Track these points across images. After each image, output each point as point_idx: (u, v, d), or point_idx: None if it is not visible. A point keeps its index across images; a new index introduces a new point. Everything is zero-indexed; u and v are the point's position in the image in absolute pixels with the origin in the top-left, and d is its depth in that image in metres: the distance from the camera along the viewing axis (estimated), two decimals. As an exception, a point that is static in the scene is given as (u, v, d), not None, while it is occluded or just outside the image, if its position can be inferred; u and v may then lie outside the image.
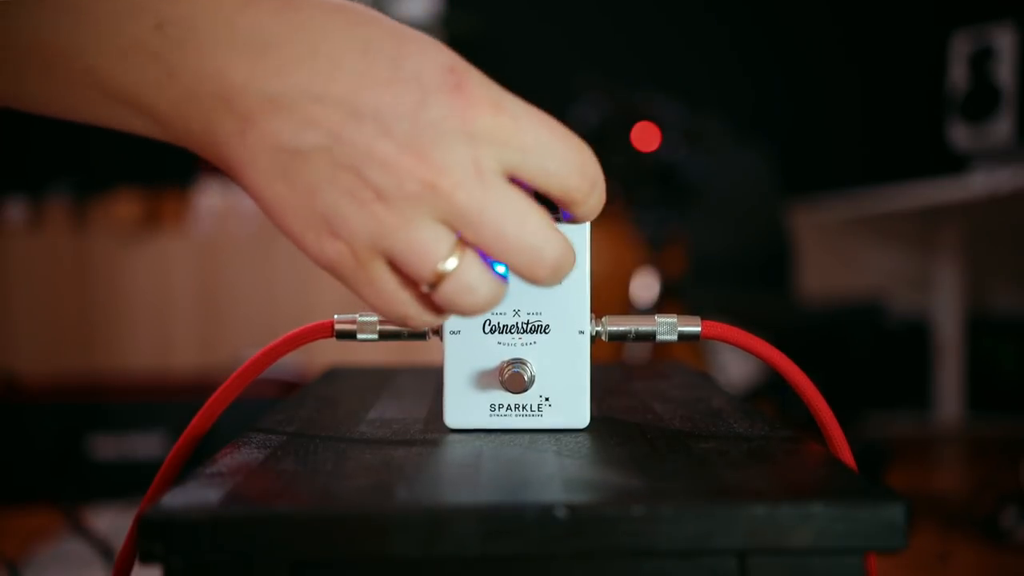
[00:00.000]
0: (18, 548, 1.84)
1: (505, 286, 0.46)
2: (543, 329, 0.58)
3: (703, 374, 0.86)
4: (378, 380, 0.83)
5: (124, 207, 2.95)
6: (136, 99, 0.43)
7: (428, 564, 0.41)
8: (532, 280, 0.45)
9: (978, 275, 3.26)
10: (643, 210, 2.62)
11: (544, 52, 3.43)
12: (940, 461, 2.82)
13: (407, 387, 0.79)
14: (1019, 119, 2.54)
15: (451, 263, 0.43)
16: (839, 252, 3.33)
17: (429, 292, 0.44)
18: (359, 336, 0.59)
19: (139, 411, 2.28)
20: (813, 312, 2.54)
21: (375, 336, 0.60)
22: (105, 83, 0.43)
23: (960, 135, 2.69)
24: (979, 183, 2.54)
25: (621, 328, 0.59)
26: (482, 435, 0.58)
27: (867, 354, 2.54)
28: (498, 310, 0.58)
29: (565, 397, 0.58)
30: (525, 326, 0.58)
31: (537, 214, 0.44)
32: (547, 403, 0.58)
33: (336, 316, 0.60)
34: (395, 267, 0.43)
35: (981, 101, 2.63)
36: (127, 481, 2.21)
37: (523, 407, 0.58)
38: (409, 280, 0.44)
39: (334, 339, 0.60)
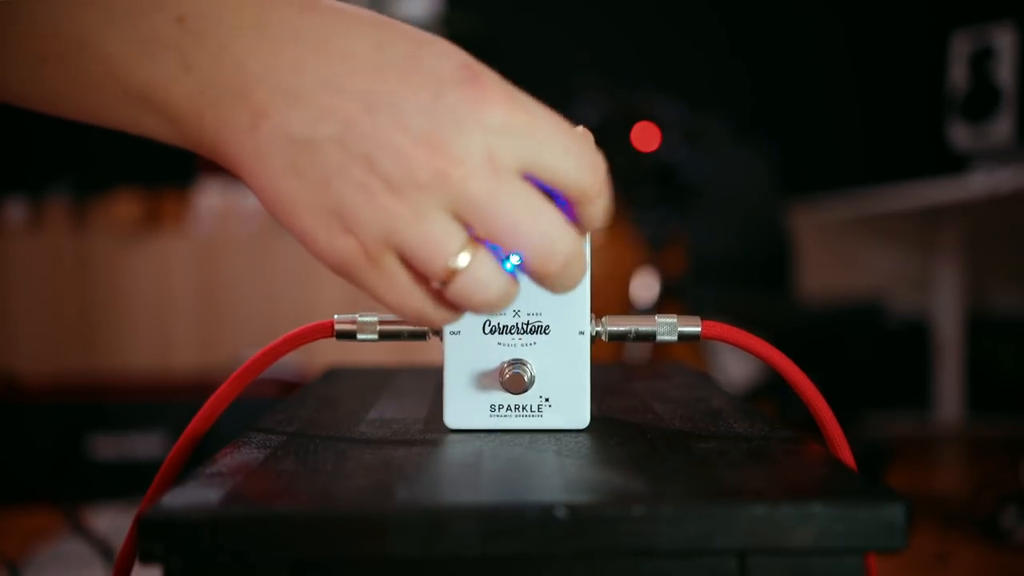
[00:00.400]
0: (18, 548, 1.84)
1: (517, 285, 0.46)
2: (543, 330, 0.58)
3: (703, 374, 0.86)
4: (378, 380, 0.83)
5: (124, 207, 2.95)
6: (151, 92, 0.43)
7: (428, 564, 0.41)
8: (543, 274, 0.45)
9: (978, 275, 3.26)
10: (643, 210, 2.62)
11: (544, 52, 3.43)
12: (940, 461, 2.82)
13: (407, 387, 0.79)
14: (1019, 119, 2.54)
15: (463, 259, 0.42)
16: (839, 252, 3.33)
17: (441, 288, 0.43)
18: (359, 336, 0.60)
19: (139, 411, 2.28)
20: (813, 312, 2.54)
21: (375, 336, 0.60)
22: (121, 75, 0.43)
23: (960, 135, 2.69)
24: (979, 183, 2.54)
25: (621, 328, 0.59)
26: (482, 435, 0.58)
27: (867, 354, 2.54)
28: (498, 310, 0.58)
29: (565, 397, 0.58)
30: (525, 326, 0.58)
31: (550, 208, 0.44)
32: (547, 404, 0.58)
33: (336, 316, 0.60)
34: (407, 263, 0.43)
35: (981, 101, 2.63)
36: (127, 481, 2.21)
37: (523, 408, 0.58)
38: (421, 276, 0.43)
39: (334, 339, 0.60)
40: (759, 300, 2.52)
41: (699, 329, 0.59)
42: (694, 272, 2.56)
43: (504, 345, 0.58)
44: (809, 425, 0.57)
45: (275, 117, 0.42)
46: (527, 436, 0.57)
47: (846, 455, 0.55)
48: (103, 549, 1.48)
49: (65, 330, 2.86)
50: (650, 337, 0.59)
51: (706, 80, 3.45)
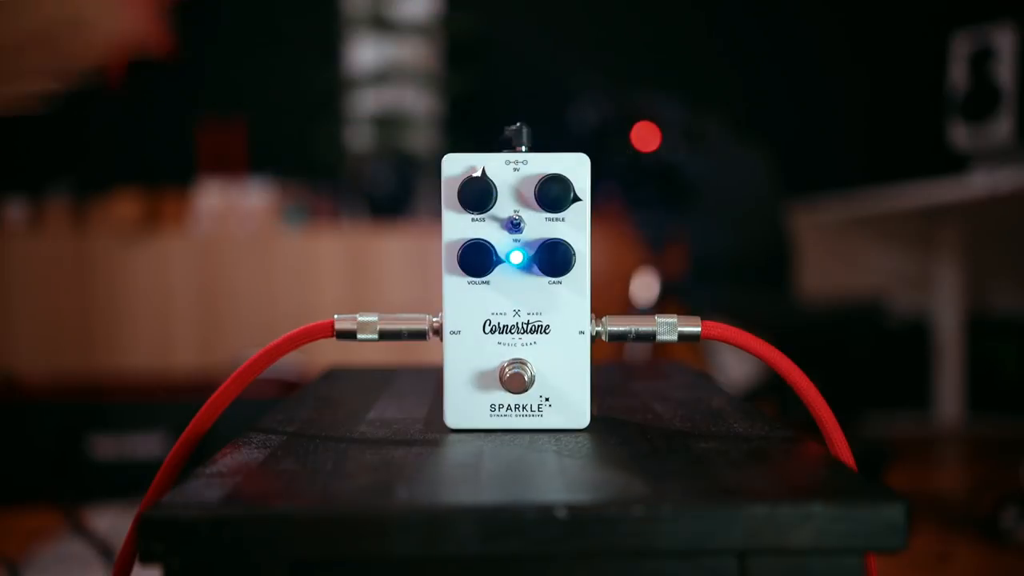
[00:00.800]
0: (18, 548, 1.84)
1: None
2: (543, 329, 0.58)
3: (703, 374, 0.86)
4: (378, 380, 0.83)
5: (124, 207, 2.95)
6: None
7: (428, 564, 0.41)
8: None
9: (978, 275, 3.26)
10: (643, 210, 2.62)
11: (544, 52, 3.43)
12: (940, 461, 2.82)
13: (407, 387, 0.79)
14: (1019, 119, 2.54)
15: None
16: (839, 252, 3.33)
17: None
18: (359, 336, 0.60)
19: (139, 411, 2.28)
20: (813, 312, 2.54)
21: (375, 336, 0.60)
22: None
23: (960, 135, 2.69)
24: (979, 183, 2.54)
25: (621, 328, 0.59)
26: (482, 435, 0.58)
27: (867, 354, 2.54)
28: (498, 310, 0.59)
29: (565, 397, 0.58)
30: (525, 326, 0.58)
31: None
32: (547, 403, 0.58)
33: (336, 316, 0.60)
34: None
35: (981, 101, 2.63)
36: (127, 481, 2.21)
37: (523, 407, 0.58)
38: None
39: (334, 339, 0.60)
40: (759, 300, 2.52)
41: (699, 329, 0.59)
42: (694, 272, 2.56)
43: (504, 345, 0.58)
44: (809, 425, 0.57)
45: None
46: (527, 436, 0.57)
47: (846, 455, 0.55)
48: (103, 549, 1.48)
49: (65, 330, 2.86)
50: (650, 337, 0.59)
51: (706, 80, 3.45)
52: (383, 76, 3.32)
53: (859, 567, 0.41)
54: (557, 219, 0.58)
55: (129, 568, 0.54)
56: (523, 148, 0.59)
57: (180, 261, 2.90)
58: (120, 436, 2.25)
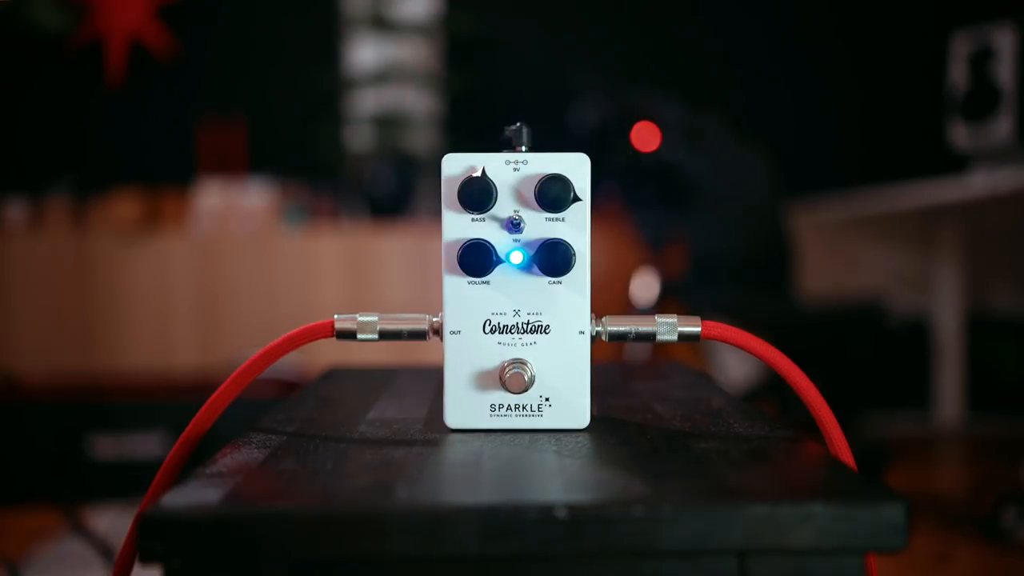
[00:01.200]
0: (18, 548, 1.84)
1: None
2: (543, 329, 0.58)
3: (703, 374, 0.86)
4: (378, 380, 0.83)
5: (124, 207, 2.95)
6: None
7: (428, 564, 0.41)
8: None
9: (978, 275, 3.26)
10: (643, 210, 2.62)
11: (544, 52, 3.43)
12: (940, 461, 2.82)
13: (407, 387, 0.79)
14: (1019, 119, 2.54)
15: None
16: (839, 252, 3.33)
17: None
18: (359, 336, 0.60)
19: (139, 411, 2.28)
20: (813, 312, 2.54)
21: (375, 336, 0.60)
22: None
23: (960, 135, 2.69)
24: (979, 183, 2.54)
25: (621, 328, 0.59)
26: (482, 435, 0.58)
27: (867, 354, 2.53)
28: (498, 310, 0.59)
29: (565, 397, 0.58)
30: (525, 326, 0.58)
31: None
32: (547, 403, 0.58)
33: (336, 316, 0.60)
34: None
35: (981, 101, 2.63)
36: (127, 481, 2.21)
37: (523, 407, 0.58)
38: None
39: (334, 339, 0.60)
40: (759, 300, 2.52)
41: (699, 329, 0.59)
42: (694, 272, 2.56)
43: (504, 345, 0.58)
44: (809, 425, 0.57)
45: None
46: (527, 436, 0.57)
47: (846, 455, 0.55)
48: (103, 549, 1.48)
49: (65, 330, 2.86)
50: (650, 337, 0.59)
51: (706, 80, 3.45)
52: (383, 76, 3.32)
53: (859, 567, 0.41)
54: (557, 219, 0.58)
55: (129, 568, 0.54)
56: (523, 148, 0.59)
57: (180, 261, 2.90)
58: (120, 436, 2.25)
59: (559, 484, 0.46)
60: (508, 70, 3.39)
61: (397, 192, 3.19)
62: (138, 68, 3.27)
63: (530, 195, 0.58)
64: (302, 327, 0.59)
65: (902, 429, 3.06)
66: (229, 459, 0.50)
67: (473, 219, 0.58)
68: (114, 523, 1.95)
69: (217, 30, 3.34)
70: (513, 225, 0.58)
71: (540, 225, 0.58)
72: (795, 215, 2.92)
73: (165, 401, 2.31)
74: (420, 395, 0.74)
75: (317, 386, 0.81)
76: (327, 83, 3.34)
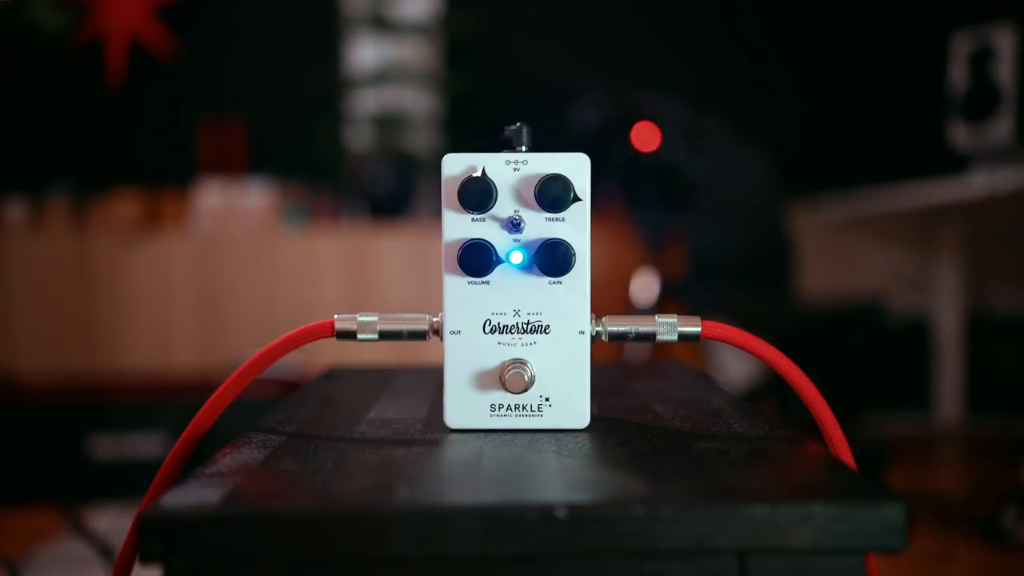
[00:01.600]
0: (18, 548, 1.84)
1: None
2: (543, 329, 0.58)
3: (703, 374, 0.86)
4: (378, 380, 0.83)
5: (124, 207, 2.95)
6: None
7: (428, 564, 0.41)
8: None
9: (978, 275, 3.26)
10: (643, 210, 2.62)
11: (544, 52, 3.43)
12: (940, 461, 2.82)
13: (407, 387, 0.79)
14: (1019, 119, 2.54)
15: None
16: (839, 252, 3.33)
17: None
18: (359, 336, 0.60)
19: (139, 411, 2.28)
20: (813, 312, 2.54)
21: (375, 336, 0.60)
22: None
23: (960, 135, 2.69)
24: (979, 183, 2.53)
25: (621, 328, 0.59)
26: (482, 435, 0.58)
27: (867, 354, 2.53)
28: (498, 310, 0.59)
29: (565, 397, 0.58)
30: (525, 326, 0.58)
31: None
32: (547, 403, 0.58)
33: (336, 316, 0.60)
34: None
35: (981, 101, 2.63)
36: (127, 481, 2.21)
37: (523, 407, 0.58)
38: None
39: (334, 339, 0.60)
40: (759, 300, 2.52)
41: (699, 329, 0.59)
42: (694, 272, 2.56)
43: (504, 345, 0.58)
44: (809, 425, 0.57)
45: None
46: (527, 436, 0.57)
47: (846, 455, 0.55)
48: (103, 549, 1.48)
49: (65, 330, 2.86)
50: (650, 337, 0.59)
51: (706, 80, 3.45)
52: (383, 76, 3.32)
53: (859, 567, 0.41)
54: (557, 219, 0.58)
55: (129, 568, 0.54)
56: (523, 148, 0.59)
57: (180, 261, 2.90)
58: (120, 436, 2.25)
59: (559, 484, 0.46)
60: (508, 70, 3.39)
61: (397, 192, 3.19)
62: (138, 68, 3.27)
63: (530, 195, 0.58)
64: (302, 327, 0.59)
65: (902, 429, 3.06)
66: (229, 459, 0.50)
67: (473, 219, 0.58)
68: (114, 523, 1.95)
69: (217, 30, 3.34)
70: (513, 225, 0.58)
71: (540, 225, 0.58)
72: (795, 215, 2.92)
73: (165, 401, 2.31)
74: (420, 395, 0.74)
75: (317, 386, 0.81)
76: (327, 83, 3.34)
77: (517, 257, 0.58)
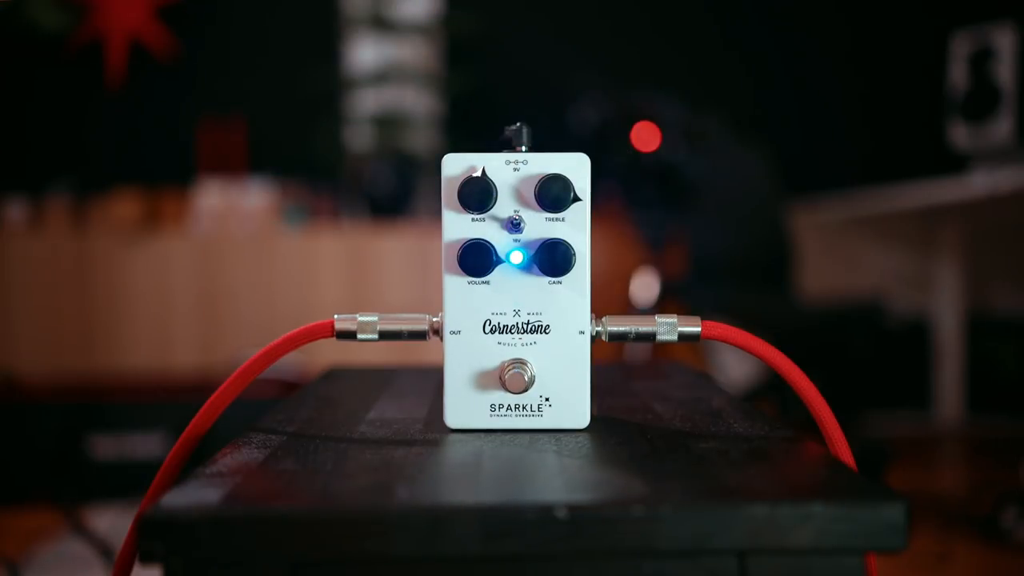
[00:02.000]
0: (18, 548, 1.84)
1: None
2: (543, 329, 0.58)
3: (703, 374, 0.86)
4: (378, 380, 0.83)
5: (124, 207, 2.95)
6: None
7: (428, 564, 0.41)
8: None
9: (978, 275, 3.26)
10: (643, 210, 2.62)
11: (544, 52, 3.43)
12: (940, 461, 2.82)
13: (407, 387, 0.79)
14: (1019, 119, 2.54)
15: None
16: (839, 252, 3.33)
17: None
18: (359, 336, 0.60)
19: (139, 411, 2.28)
20: (813, 312, 2.54)
21: (375, 336, 0.60)
22: None
23: (960, 135, 2.69)
24: (979, 183, 2.53)
25: (621, 328, 0.59)
26: (482, 435, 0.58)
27: (867, 354, 2.53)
28: (498, 310, 0.59)
29: (565, 397, 0.58)
30: (525, 326, 0.58)
31: None
32: (547, 403, 0.58)
33: (336, 316, 0.60)
34: None
35: (981, 101, 2.63)
36: (127, 481, 2.21)
37: (523, 407, 0.58)
38: None
39: (334, 339, 0.60)
40: (759, 300, 2.52)
41: (699, 329, 0.59)
42: (694, 272, 2.56)
43: (504, 345, 0.58)
44: (809, 425, 0.57)
45: None
46: (527, 436, 0.57)
47: (846, 455, 0.55)
48: (103, 549, 1.48)
49: (65, 330, 2.86)
50: (650, 337, 0.59)
51: (706, 80, 3.45)
52: (383, 76, 3.32)
53: (859, 567, 0.41)
54: (557, 219, 0.58)
55: (129, 568, 0.54)
56: (523, 148, 0.59)
57: (180, 261, 2.90)
58: (120, 436, 2.25)
59: (559, 484, 0.46)
60: (508, 70, 3.39)
61: (397, 192, 3.19)
62: (138, 68, 3.27)
63: (530, 195, 0.58)
64: (302, 327, 0.59)
65: (902, 429, 3.06)
66: (229, 459, 0.50)
67: (473, 219, 0.58)
68: (114, 523, 1.95)
69: (217, 30, 3.34)
70: (513, 225, 0.58)
71: (540, 225, 0.58)
72: (795, 215, 2.92)
73: (165, 401, 2.31)
74: (420, 395, 0.74)
75: (317, 386, 0.81)
76: (327, 83, 3.34)
77: (517, 257, 0.58)
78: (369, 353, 2.33)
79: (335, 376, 0.88)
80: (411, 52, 3.39)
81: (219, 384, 0.57)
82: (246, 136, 3.20)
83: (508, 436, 0.57)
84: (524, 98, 3.35)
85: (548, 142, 0.62)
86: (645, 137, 2.42)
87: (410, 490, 0.44)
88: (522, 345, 0.58)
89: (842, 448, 0.55)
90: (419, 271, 2.98)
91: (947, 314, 3.17)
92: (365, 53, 3.38)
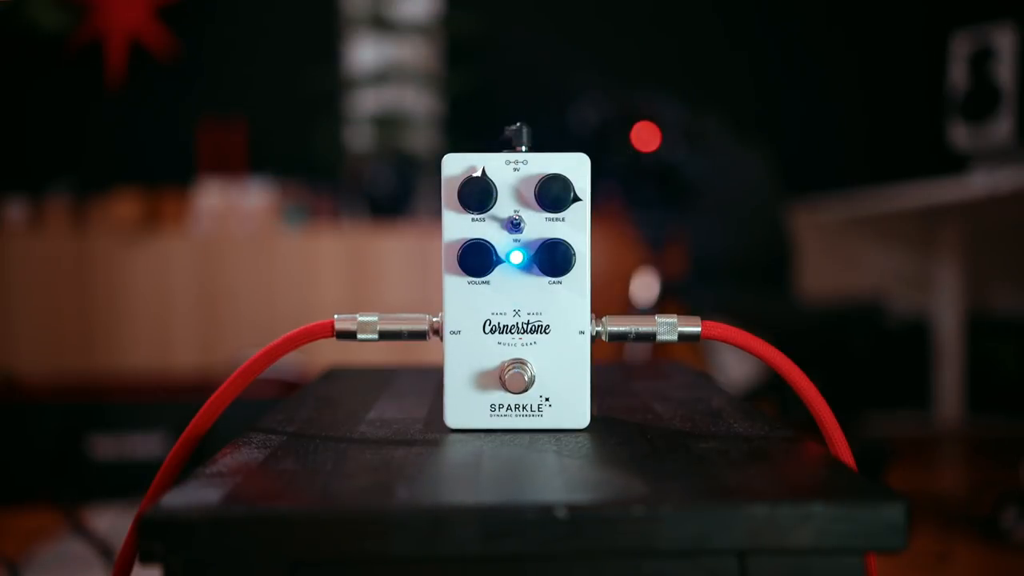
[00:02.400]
0: (18, 548, 1.84)
1: None
2: (543, 329, 0.58)
3: (703, 374, 0.86)
4: (378, 380, 0.83)
5: (124, 207, 2.95)
6: None
7: (428, 564, 0.41)
8: None
9: (978, 275, 3.26)
10: (643, 210, 2.61)
11: (544, 52, 3.43)
12: (940, 461, 2.82)
13: (407, 387, 0.79)
14: (1019, 119, 2.54)
15: None
16: (839, 252, 3.33)
17: None
18: (359, 336, 0.60)
19: (139, 411, 2.28)
20: (813, 312, 2.54)
21: (375, 336, 0.60)
22: None
23: (960, 135, 2.69)
24: (979, 183, 2.53)
25: (621, 328, 0.59)
26: (482, 435, 0.58)
27: (867, 354, 2.53)
28: (498, 310, 0.59)
29: (565, 397, 0.58)
30: (525, 326, 0.58)
31: None
32: (547, 403, 0.58)
33: (336, 316, 0.60)
34: None
35: (981, 101, 2.63)
36: (127, 481, 2.21)
37: (523, 407, 0.58)
38: None
39: (334, 339, 0.60)
40: (759, 300, 2.52)
41: (699, 329, 0.59)
42: (694, 272, 2.56)
43: (504, 345, 0.58)
44: (809, 425, 0.57)
45: None
46: (527, 436, 0.57)
47: (846, 455, 0.55)
48: (103, 549, 1.48)
49: (65, 330, 2.86)
50: (650, 337, 0.59)
51: (706, 80, 3.45)
52: (383, 76, 3.32)
53: (859, 567, 0.41)
54: (557, 219, 0.58)
55: (129, 568, 0.54)
56: (523, 148, 0.59)
57: (180, 261, 2.90)
58: (120, 436, 2.25)
59: (559, 484, 0.46)
60: (508, 70, 3.38)
61: (397, 192, 3.19)
62: (138, 68, 3.27)
63: (530, 195, 0.58)
64: (302, 327, 0.59)
65: (902, 429, 3.06)
66: (229, 459, 0.50)
67: (473, 219, 0.58)
68: (114, 523, 1.95)
69: (217, 30, 3.35)
70: (513, 225, 0.58)
71: (540, 225, 0.58)
72: (795, 215, 2.92)
73: (165, 401, 2.31)
74: (420, 395, 0.74)
75: (317, 386, 0.81)
76: (327, 83, 3.34)
77: (517, 257, 0.58)
78: (369, 353, 2.33)
79: (335, 376, 0.88)
80: (411, 52, 3.39)
81: (219, 384, 0.57)
82: (246, 136, 3.20)
83: (508, 436, 0.57)
84: (524, 98, 3.35)
85: (548, 142, 0.62)
86: (645, 137, 2.42)
87: (410, 490, 0.44)
88: (522, 345, 0.58)
89: (842, 448, 0.55)
90: (419, 271, 2.98)
91: (947, 314, 3.17)
92: (365, 53, 3.38)
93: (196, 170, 3.15)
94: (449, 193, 0.58)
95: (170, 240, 2.90)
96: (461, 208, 0.58)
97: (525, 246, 0.58)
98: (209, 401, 0.57)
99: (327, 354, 1.23)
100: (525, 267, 0.58)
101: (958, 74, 2.71)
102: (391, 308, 2.49)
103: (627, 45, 3.47)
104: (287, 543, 0.40)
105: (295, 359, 2.41)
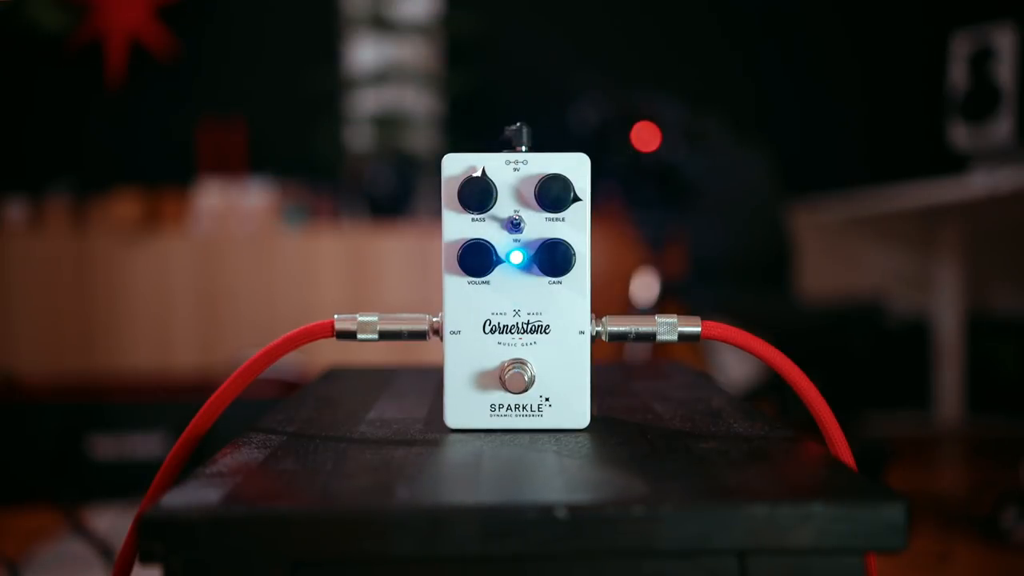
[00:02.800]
0: (18, 548, 1.84)
1: None
2: (543, 329, 0.58)
3: (703, 374, 0.86)
4: (378, 380, 0.83)
5: (124, 207, 2.95)
6: None
7: (428, 564, 0.41)
8: None
9: (978, 275, 3.26)
10: (643, 210, 2.61)
11: (544, 52, 3.43)
12: (940, 461, 2.82)
13: (407, 387, 0.79)
14: (1019, 119, 2.54)
15: None
16: (839, 252, 3.33)
17: None
18: (359, 336, 0.60)
19: (139, 411, 2.28)
20: (813, 312, 2.54)
21: (375, 336, 0.60)
22: None
23: (960, 135, 2.69)
24: (979, 183, 2.53)
25: (621, 328, 0.59)
26: (482, 435, 0.58)
27: (867, 354, 2.53)
28: (498, 310, 0.59)
29: (565, 397, 0.58)
30: (525, 326, 0.58)
31: None
32: (547, 403, 0.58)
33: (336, 316, 0.60)
34: None
35: (981, 101, 2.63)
36: (127, 481, 2.21)
37: (523, 407, 0.58)
38: None
39: (334, 339, 0.60)
40: (759, 300, 2.52)
41: (699, 329, 0.59)
42: (694, 272, 2.56)
43: (504, 345, 0.58)
44: (809, 425, 0.57)
45: None
46: (527, 436, 0.57)
47: (846, 455, 0.55)
48: (103, 549, 1.48)
49: (65, 330, 2.86)
50: (650, 337, 0.59)
51: (706, 80, 3.45)
52: (383, 76, 3.32)
53: (859, 567, 0.41)
54: (557, 219, 0.58)
55: (129, 568, 0.54)
56: (523, 148, 0.59)
57: (180, 261, 2.90)
58: (120, 436, 2.25)
59: (559, 484, 0.46)
60: (508, 70, 3.39)
61: (397, 192, 3.19)
62: (138, 68, 3.27)
63: (530, 195, 0.58)
64: (302, 327, 0.59)
65: (902, 429, 3.06)
66: (229, 459, 0.50)
67: (473, 219, 0.58)
68: (114, 523, 1.95)
69: (217, 30, 3.35)
70: (513, 225, 0.58)
71: (540, 225, 0.58)
72: (795, 215, 2.92)
73: (165, 401, 2.31)
74: (420, 395, 0.74)
75: (317, 386, 0.81)
76: (327, 83, 3.34)
77: (517, 257, 0.58)
78: (369, 353, 2.32)
79: (335, 376, 0.88)
80: (411, 52, 3.39)
81: (219, 384, 0.57)
82: (246, 136, 3.20)
83: (508, 436, 0.57)
84: (524, 98, 3.35)
85: (548, 142, 0.62)
86: (645, 137, 2.42)
87: (410, 490, 0.44)
88: (522, 345, 0.58)
89: (842, 448, 0.55)
90: (419, 271, 2.98)
91: (947, 314, 3.17)
92: (365, 53, 3.38)
93: (196, 170, 3.15)
94: (449, 193, 0.58)
95: (170, 240, 2.90)
96: (461, 208, 0.58)
97: (525, 246, 0.58)
98: (209, 401, 0.57)
99: (327, 354, 1.23)
100: (525, 267, 0.58)
101: (958, 74, 2.71)
102: (391, 308, 2.49)
103: (627, 45, 3.47)
104: (287, 543, 0.40)
105: (295, 359, 2.41)
